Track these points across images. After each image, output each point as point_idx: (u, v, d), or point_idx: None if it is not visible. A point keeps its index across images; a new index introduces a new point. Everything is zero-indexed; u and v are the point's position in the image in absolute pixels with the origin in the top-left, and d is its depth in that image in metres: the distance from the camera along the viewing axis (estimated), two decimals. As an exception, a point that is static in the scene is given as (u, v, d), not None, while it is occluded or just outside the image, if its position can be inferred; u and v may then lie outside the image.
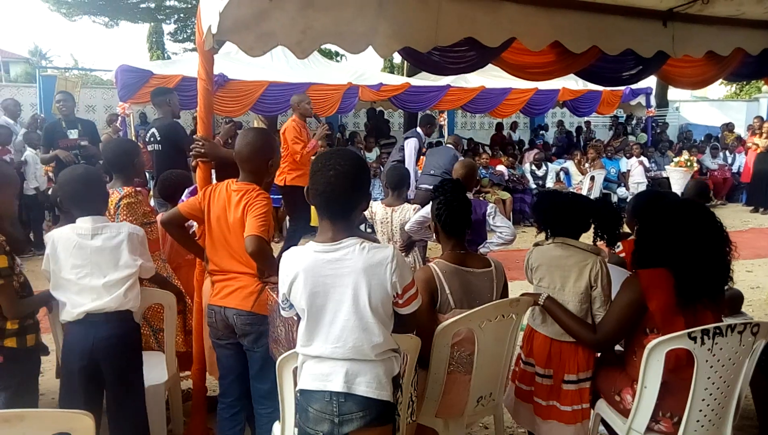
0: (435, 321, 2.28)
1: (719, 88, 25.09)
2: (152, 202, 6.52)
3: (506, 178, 10.08)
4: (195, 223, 2.72)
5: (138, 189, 2.98)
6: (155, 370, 2.82)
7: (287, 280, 1.75)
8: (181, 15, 17.28)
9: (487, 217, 3.72)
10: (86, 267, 2.34)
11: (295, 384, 1.86)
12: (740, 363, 2.09)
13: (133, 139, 9.01)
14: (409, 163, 7.27)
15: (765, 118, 12.68)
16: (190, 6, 16.11)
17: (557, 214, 2.62)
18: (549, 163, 10.86)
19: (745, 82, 20.61)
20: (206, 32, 2.35)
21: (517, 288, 2.79)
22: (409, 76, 11.29)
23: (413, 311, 1.83)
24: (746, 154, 11.12)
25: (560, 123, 14.46)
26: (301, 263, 1.74)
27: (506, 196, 9.49)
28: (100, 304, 2.34)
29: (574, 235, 2.62)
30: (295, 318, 1.85)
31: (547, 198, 2.75)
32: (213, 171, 2.79)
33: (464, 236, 2.51)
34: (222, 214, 2.42)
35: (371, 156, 10.63)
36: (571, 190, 9.89)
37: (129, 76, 7.83)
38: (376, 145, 11.25)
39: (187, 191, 3.26)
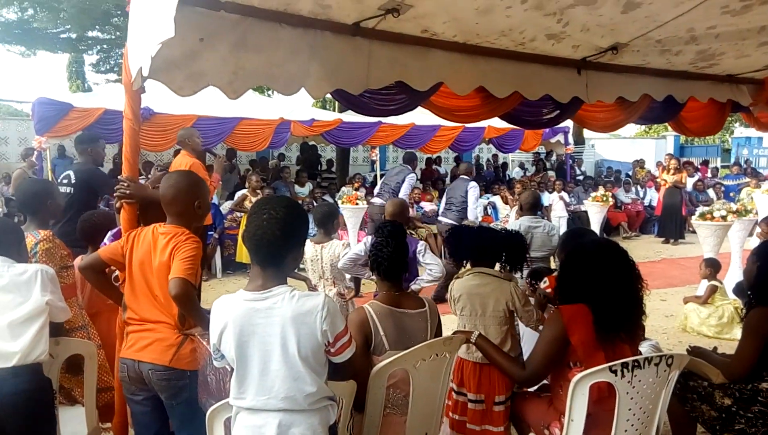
0: (370, 363, 2.28)
1: (630, 127, 26.93)
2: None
3: (436, 212, 10.31)
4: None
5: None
6: (72, 423, 2.64)
7: (217, 330, 1.71)
8: (104, 46, 16.73)
9: (417, 255, 3.80)
10: None
11: (226, 436, 1.80)
12: (658, 393, 2.21)
13: (50, 173, 8.56)
14: (405, 195, 7.88)
15: (673, 155, 13.76)
16: (114, 37, 15.65)
17: (468, 247, 2.88)
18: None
19: (652, 123, 22.25)
20: (136, 73, 2.30)
21: (447, 322, 2.89)
22: (341, 111, 11.44)
23: (348, 359, 1.81)
24: (657, 189, 11.94)
25: (477, 159, 14.95)
26: (230, 313, 1.70)
27: (436, 230, 9.68)
28: (6, 349, 2.17)
29: (489, 265, 2.88)
30: (228, 368, 1.80)
31: (457, 233, 3.02)
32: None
33: (400, 278, 2.53)
34: (146, 259, 2.32)
35: (303, 191, 10.61)
36: (498, 223, 10.24)
37: (47, 108, 7.47)
38: (308, 179, 11.24)
39: (110, 234, 3.12)
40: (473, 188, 7.12)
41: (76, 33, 15.33)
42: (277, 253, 1.72)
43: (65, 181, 4.88)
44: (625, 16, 3.00)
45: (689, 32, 3.35)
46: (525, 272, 3.91)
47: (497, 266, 2.97)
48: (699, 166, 15.95)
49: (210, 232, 7.78)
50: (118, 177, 2.63)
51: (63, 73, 23.30)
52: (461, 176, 7.57)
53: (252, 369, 1.69)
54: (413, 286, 3.73)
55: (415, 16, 2.82)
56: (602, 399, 2.18)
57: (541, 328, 2.68)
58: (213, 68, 2.47)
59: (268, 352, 1.68)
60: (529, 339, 3.11)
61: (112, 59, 17.43)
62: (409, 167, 8.16)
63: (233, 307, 1.72)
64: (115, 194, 2.59)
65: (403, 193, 7.86)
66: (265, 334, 1.68)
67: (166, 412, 2.35)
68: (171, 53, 2.30)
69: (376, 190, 8.32)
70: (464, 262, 2.94)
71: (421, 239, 9.03)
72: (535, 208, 4.87)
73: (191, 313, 2.22)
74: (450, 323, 2.99)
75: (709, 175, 15.09)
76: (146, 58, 2.04)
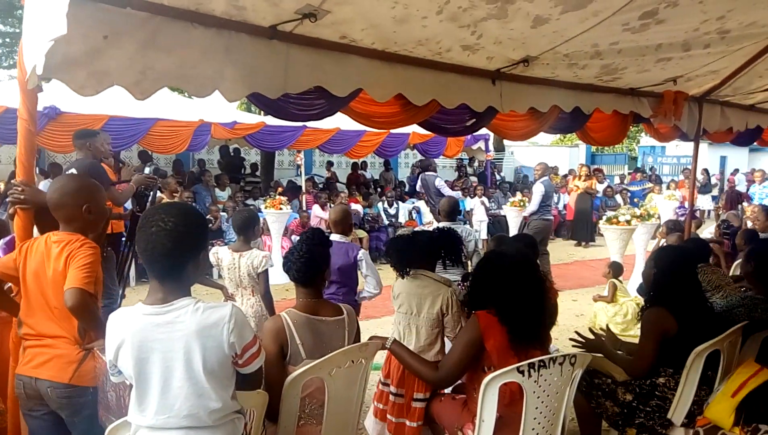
0: (284, 373, 2.24)
1: (547, 136, 28.17)
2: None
3: (362, 216, 10.37)
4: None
5: None
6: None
7: (113, 345, 1.62)
8: (8, 39, 15.63)
9: (358, 262, 3.82)
10: None
11: (128, 455, 1.70)
12: (563, 392, 2.31)
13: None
14: (448, 193, 9.36)
15: (585, 163, 14.53)
16: (18, 31, 14.63)
17: (405, 254, 2.96)
18: (401, 202, 11.37)
19: (565, 132, 23.43)
20: (30, 72, 2.14)
21: (371, 326, 2.93)
22: (265, 114, 11.22)
23: (256, 369, 1.77)
24: (569, 194, 12.61)
25: (386, 162, 14.86)
26: (128, 328, 1.61)
27: (363, 234, 9.74)
28: None
29: (430, 267, 3.00)
30: (127, 383, 1.71)
31: (394, 244, 3.09)
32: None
33: (317, 285, 2.49)
34: (41, 270, 2.17)
35: (224, 194, 10.34)
36: (422, 227, 10.41)
37: (-61, 105, 6.88)
38: (231, 183, 10.96)
39: (1, 242, 2.89)
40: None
41: (-25, 24, 14.21)
42: (172, 266, 1.62)
43: None
44: (534, 30, 3.14)
45: (594, 47, 3.55)
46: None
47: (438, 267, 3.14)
48: (631, 173, 17.33)
49: (123, 239, 7.41)
50: (12, 181, 2.45)
51: (-40, 66, 21.47)
52: (541, 181, 8.12)
53: (152, 387, 1.60)
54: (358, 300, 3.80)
55: (333, 22, 2.81)
56: (514, 401, 2.26)
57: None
58: (118, 67, 2.34)
59: (169, 369, 1.60)
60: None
61: (15, 54, 16.26)
62: (433, 172, 9.96)
63: (131, 321, 1.62)
64: (8, 199, 2.41)
65: (447, 192, 9.38)
66: (166, 349, 1.59)
67: (67, 427, 2.23)
68: (71, 50, 2.16)
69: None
70: (407, 270, 2.97)
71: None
72: (452, 214, 4.93)
73: (90, 324, 2.10)
74: (372, 328, 3.01)
75: (618, 180, 16.10)
76: (40, 56, 1.91)
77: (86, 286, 2.04)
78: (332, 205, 9.73)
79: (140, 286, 7.67)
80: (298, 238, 2.61)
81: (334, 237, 3.85)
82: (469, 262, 4.60)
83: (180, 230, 1.61)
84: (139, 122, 8.25)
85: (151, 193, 4.70)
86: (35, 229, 2.50)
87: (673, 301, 2.79)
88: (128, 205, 5.52)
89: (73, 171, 4.76)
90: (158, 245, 1.59)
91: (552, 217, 8.27)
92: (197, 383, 1.61)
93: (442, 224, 4.88)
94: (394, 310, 3.07)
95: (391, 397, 2.87)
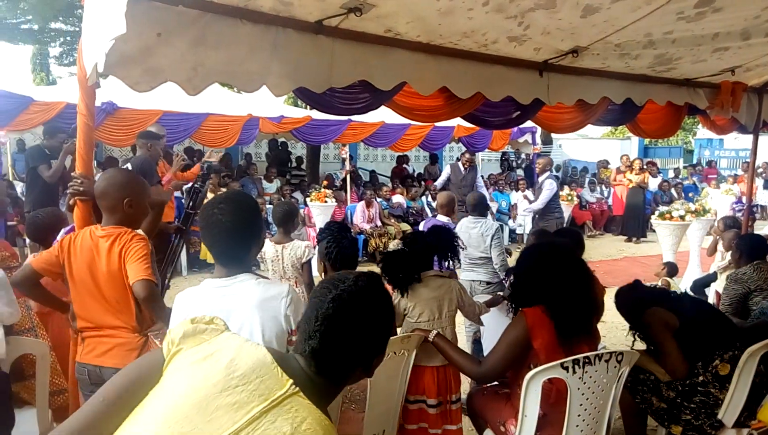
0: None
1: (597, 128, 27.38)
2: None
3: (405, 209, 10.40)
4: None
5: None
6: (25, 425, 2.58)
7: (178, 318, 1.71)
8: (68, 38, 16.30)
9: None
10: None
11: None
12: (608, 389, 2.27)
13: (10, 169, 8.33)
14: (440, 184, 9.75)
15: (637, 156, 14.08)
16: (77, 29, 15.25)
17: (405, 270, 2.78)
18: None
19: (618, 123, 22.73)
20: (91, 69, 2.25)
21: None
22: (311, 109, 11.35)
23: None
24: (613, 188, 12.32)
25: (432, 156, 14.57)
26: (194, 299, 1.72)
27: (406, 227, 9.74)
28: None
29: (429, 267, 2.92)
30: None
31: (389, 261, 2.83)
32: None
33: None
34: (93, 265, 2.25)
35: (271, 187, 10.54)
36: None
37: (6, 101, 7.26)
38: (278, 176, 11.17)
39: (63, 231, 3.04)
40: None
41: (38, 24, 14.89)
42: (235, 252, 1.75)
43: None
44: (584, 20, 3.06)
45: (647, 37, 3.44)
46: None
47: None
48: (707, 167, 16.82)
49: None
50: (72, 174, 2.58)
51: (27, 65, 22.59)
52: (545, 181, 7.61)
53: None
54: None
55: (378, 16, 2.82)
56: (560, 400, 2.22)
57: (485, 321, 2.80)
58: (171, 64, 2.43)
59: None
60: (489, 338, 3.15)
61: (75, 52, 16.93)
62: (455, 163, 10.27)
63: (198, 293, 1.74)
64: (68, 191, 2.54)
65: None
66: (227, 318, 1.66)
67: None
68: (127, 48, 2.25)
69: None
70: (403, 289, 2.79)
71: (392, 237, 9.12)
72: (476, 208, 4.74)
73: (159, 311, 2.19)
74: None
75: (672, 174, 15.53)
76: (101, 54, 2.01)
77: (150, 275, 2.15)
78: (377, 200, 9.81)
79: (191, 276, 7.92)
80: (323, 230, 2.62)
81: (441, 218, 4.63)
82: (492, 254, 4.48)
83: (240, 223, 1.73)
84: (191, 117, 8.50)
85: (203, 190, 4.88)
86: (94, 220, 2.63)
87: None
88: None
89: (129, 166, 5.04)
90: (222, 234, 1.71)
91: (564, 216, 7.99)
92: None
93: (464, 220, 4.73)
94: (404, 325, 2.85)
95: (431, 410, 2.77)
